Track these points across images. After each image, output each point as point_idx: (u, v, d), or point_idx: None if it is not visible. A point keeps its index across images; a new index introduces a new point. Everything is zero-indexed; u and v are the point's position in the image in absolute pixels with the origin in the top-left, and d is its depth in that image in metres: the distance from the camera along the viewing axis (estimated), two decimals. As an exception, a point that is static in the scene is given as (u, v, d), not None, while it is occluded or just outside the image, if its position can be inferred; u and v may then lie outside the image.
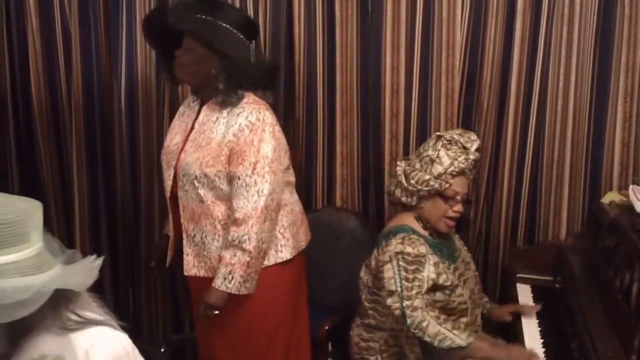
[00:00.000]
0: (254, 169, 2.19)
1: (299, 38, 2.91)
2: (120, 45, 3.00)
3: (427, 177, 2.32)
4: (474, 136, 2.42)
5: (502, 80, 2.84)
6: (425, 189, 2.33)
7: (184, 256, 2.34)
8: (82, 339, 1.27)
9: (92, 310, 1.33)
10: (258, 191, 2.20)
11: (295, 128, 2.97)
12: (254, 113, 2.23)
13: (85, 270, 1.28)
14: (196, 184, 2.25)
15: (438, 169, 2.31)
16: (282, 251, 2.35)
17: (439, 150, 2.33)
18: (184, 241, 2.33)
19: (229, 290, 2.21)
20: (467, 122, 2.89)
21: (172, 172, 2.33)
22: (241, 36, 2.26)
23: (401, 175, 2.38)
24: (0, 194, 1.29)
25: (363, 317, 2.47)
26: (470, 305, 2.41)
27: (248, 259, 2.20)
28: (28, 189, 3.16)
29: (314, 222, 2.91)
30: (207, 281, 2.27)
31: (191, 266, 2.33)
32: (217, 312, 2.24)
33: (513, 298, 2.67)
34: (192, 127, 2.33)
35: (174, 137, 2.39)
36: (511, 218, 2.94)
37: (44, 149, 3.14)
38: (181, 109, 2.47)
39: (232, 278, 2.20)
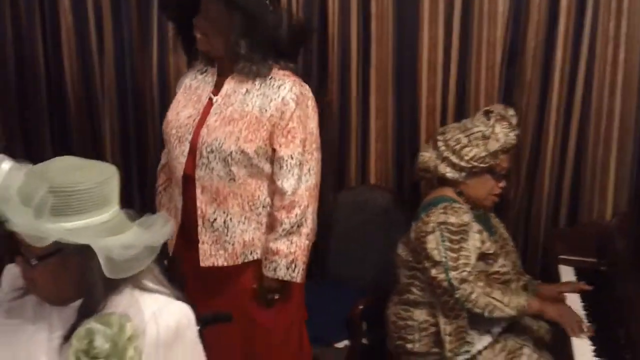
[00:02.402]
0: (303, 146, 2.08)
1: (333, 10, 2.82)
2: (151, 24, 2.96)
3: (483, 153, 2.28)
4: (512, 111, 2.40)
5: (547, 52, 2.71)
6: (480, 165, 2.27)
7: (199, 245, 2.12)
8: (150, 301, 1.32)
9: (160, 281, 1.38)
10: (309, 170, 2.09)
11: (328, 103, 2.88)
12: (296, 86, 2.09)
13: (159, 227, 1.32)
14: (229, 161, 2.05)
15: (494, 145, 2.28)
16: None
17: (494, 126, 2.28)
18: (199, 228, 2.11)
19: (294, 280, 2.10)
20: (508, 97, 2.76)
21: (186, 147, 2.11)
22: None
23: (446, 150, 2.31)
24: (80, 159, 1.33)
25: (401, 294, 2.41)
26: (514, 277, 2.37)
27: (307, 242, 2.11)
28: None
29: (347, 200, 2.89)
30: (225, 271, 2.13)
31: (208, 255, 2.12)
32: (277, 295, 2.14)
33: (555, 280, 2.56)
34: (210, 100, 2.14)
35: (182, 110, 2.16)
36: (553, 197, 2.82)
37: (78, 131, 3.14)
38: (187, 81, 2.22)
39: (296, 267, 2.09)
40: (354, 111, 2.91)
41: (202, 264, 2.13)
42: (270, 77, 2.09)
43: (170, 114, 2.19)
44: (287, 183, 2.06)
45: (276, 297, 2.15)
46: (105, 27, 3.03)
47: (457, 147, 2.31)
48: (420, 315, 2.34)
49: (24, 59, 3.12)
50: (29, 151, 3.17)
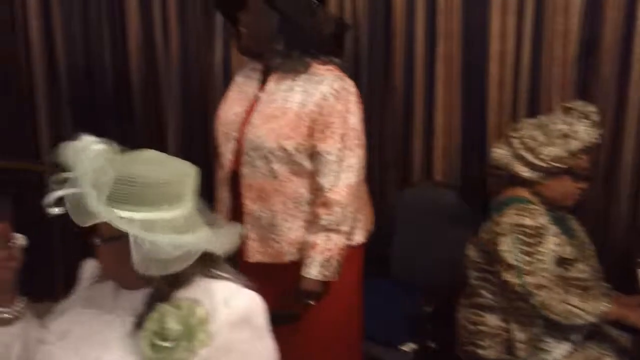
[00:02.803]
0: (343, 142, 2.03)
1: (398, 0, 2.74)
2: (215, 21, 2.94)
3: (563, 153, 2.15)
4: (593, 108, 2.26)
5: (625, 44, 2.57)
6: (559, 165, 2.16)
7: (246, 240, 2.12)
8: (221, 287, 1.35)
9: (228, 271, 1.41)
10: (349, 167, 2.04)
11: (392, 96, 2.80)
12: (337, 81, 2.06)
13: (229, 235, 1.37)
14: (270, 158, 2.04)
15: (575, 144, 2.16)
16: (356, 234, 2.19)
17: (575, 124, 2.15)
18: (246, 224, 2.12)
19: (327, 279, 2.05)
20: (584, 92, 2.63)
21: (232, 145, 2.12)
22: None
23: (522, 148, 2.19)
24: (162, 154, 1.37)
25: (471, 297, 2.31)
26: (594, 283, 2.25)
27: (344, 241, 2.06)
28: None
29: (411, 198, 2.82)
30: (270, 269, 2.11)
31: (254, 252, 2.12)
32: (314, 302, 2.08)
33: (634, 287, 2.42)
34: (256, 98, 2.13)
35: (230, 107, 2.17)
36: (633, 198, 2.67)
37: (143, 128, 3.17)
38: (238, 78, 2.24)
39: (330, 265, 2.04)
40: (419, 105, 2.83)
41: (248, 260, 2.12)
42: (311, 72, 2.07)
43: (220, 111, 2.20)
44: (325, 180, 2.03)
45: (312, 303, 2.08)
46: (171, 23, 3.03)
47: (534, 145, 2.20)
48: (493, 320, 2.24)
49: (91, 55, 3.16)
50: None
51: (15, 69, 3.23)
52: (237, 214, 2.14)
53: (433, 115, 2.81)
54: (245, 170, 2.09)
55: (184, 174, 1.32)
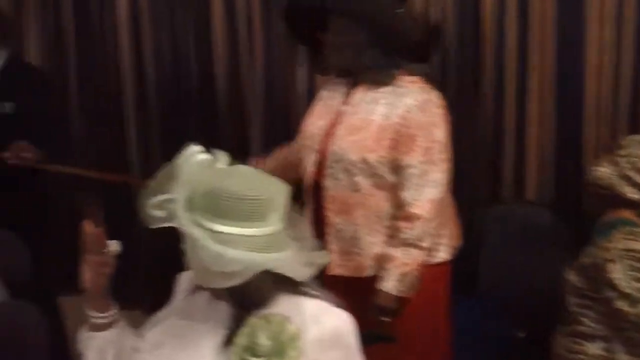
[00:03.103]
0: (427, 156, 1.98)
1: (488, 6, 2.67)
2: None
3: None
4: None
5: None
6: None
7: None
8: (311, 305, 1.33)
9: (316, 287, 1.39)
10: (432, 181, 1.99)
11: (480, 106, 2.74)
12: (422, 93, 2.03)
13: (308, 262, 1.34)
14: (353, 171, 2.03)
15: None
16: (440, 250, 2.11)
17: None
18: (328, 237, 2.09)
19: (402, 294, 1.99)
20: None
21: (315, 157, 2.11)
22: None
23: (629, 169, 2.05)
24: (258, 171, 1.36)
25: (570, 324, 2.16)
26: None
27: (424, 257, 2.01)
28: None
29: (501, 217, 2.71)
30: (351, 282, 2.05)
31: (335, 265, 2.07)
32: (391, 318, 2.01)
33: None
34: (340, 110, 2.11)
35: (316, 121, 2.17)
36: None
37: (226, 139, 3.18)
38: (323, 92, 2.23)
39: (407, 280, 1.99)
40: (510, 118, 2.74)
41: (328, 272, 2.03)
42: (396, 85, 2.05)
43: (304, 125, 2.22)
44: (407, 193, 1.99)
45: (387, 319, 2.01)
46: (257, 37, 3.06)
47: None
48: (594, 349, 2.08)
49: (179, 63, 3.22)
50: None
51: (105, 76, 3.34)
52: (319, 225, 2.11)
53: (525, 128, 2.72)
54: (328, 183, 2.08)
55: (274, 192, 1.30)
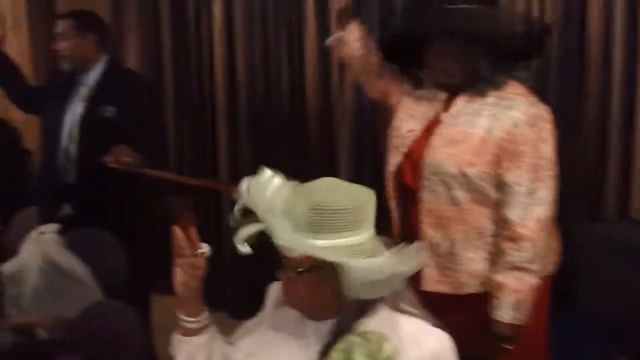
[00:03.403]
0: (535, 173, 1.89)
1: (594, 15, 2.55)
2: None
3: None
4: None
5: None
6: None
7: (423, 268, 2.00)
8: (409, 324, 1.32)
9: (415, 305, 1.38)
10: (540, 200, 1.89)
11: (584, 117, 2.63)
12: (530, 106, 1.92)
13: (411, 257, 1.32)
14: (452, 184, 1.94)
15: None
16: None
17: None
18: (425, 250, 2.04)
19: (519, 322, 1.90)
20: None
21: (398, 159, 2.05)
22: (490, 9, 1.97)
23: None
24: (340, 180, 1.38)
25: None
26: None
27: (536, 280, 1.91)
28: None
29: (602, 236, 2.58)
30: (447, 299, 1.98)
31: (434, 281, 2.01)
32: (509, 345, 1.93)
33: None
34: (438, 119, 2.02)
35: (406, 122, 2.08)
36: None
37: (315, 147, 3.21)
38: (420, 91, 2.12)
39: (522, 307, 1.90)
40: (615, 134, 2.61)
41: (423, 288, 2.01)
42: (500, 96, 1.95)
43: (396, 120, 2.14)
44: (513, 212, 1.89)
45: (509, 347, 1.93)
46: None
47: None
48: None
49: (270, 74, 3.26)
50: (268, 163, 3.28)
51: (199, 84, 3.42)
52: (406, 230, 2.08)
53: (632, 143, 2.58)
54: (424, 195, 2.00)
55: (365, 198, 1.32)
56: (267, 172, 1.34)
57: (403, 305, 1.36)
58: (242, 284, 3.34)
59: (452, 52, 1.94)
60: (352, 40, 2.16)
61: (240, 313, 3.24)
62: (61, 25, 2.82)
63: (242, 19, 3.26)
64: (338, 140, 3.16)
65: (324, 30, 3.06)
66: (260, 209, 1.29)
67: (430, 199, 1.98)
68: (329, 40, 2.21)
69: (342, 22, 2.14)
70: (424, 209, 2.00)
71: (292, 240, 1.25)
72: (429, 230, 2.00)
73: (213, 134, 3.44)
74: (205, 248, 1.36)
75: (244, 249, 1.27)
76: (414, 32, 2.00)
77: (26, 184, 4.20)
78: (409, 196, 2.04)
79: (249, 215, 1.31)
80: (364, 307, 1.32)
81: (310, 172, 3.18)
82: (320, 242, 1.26)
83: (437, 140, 1.98)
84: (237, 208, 1.31)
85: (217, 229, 3.26)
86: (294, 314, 1.39)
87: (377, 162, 3.05)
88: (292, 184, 1.35)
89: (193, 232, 1.36)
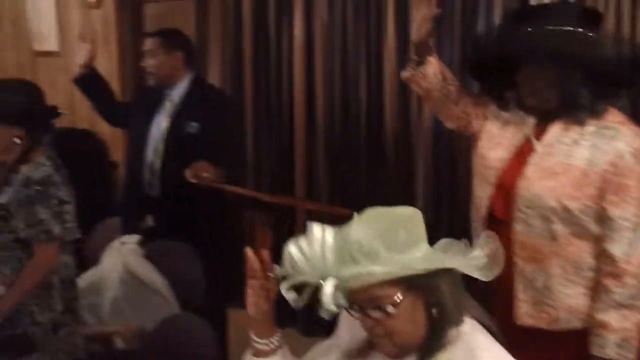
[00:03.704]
0: None
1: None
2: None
3: None
4: None
5: None
6: None
7: (515, 301, 1.94)
8: (487, 355, 1.28)
9: (494, 334, 1.35)
10: None
11: None
12: (635, 137, 1.82)
13: (481, 265, 1.30)
14: (551, 218, 1.85)
15: None
16: None
17: None
18: (517, 284, 1.94)
19: (625, 359, 1.81)
20: None
21: (488, 190, 1.98)
22: (589, 33, 1.84)
23: None
24: (378, 210, 1.31)
25: None
26: None
27: None
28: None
29: None
30: (541, 334, 1.91)
31: (527, 315, 1.94)
32: None
33: None
34: (529, 146, 1.93)
35: (494, 150, 2.00)
36: None
37: (392, 170, 3.18)
38: (506, 115, 2.02)
39: (628, 345, 1.81)
40: None
41: (518, 322, 1.94)
42: (601, 125, 1.84)
43: (482, 148, 2.04)
44: (617, 248, 1.80)
45: None
46: None
47: None
48: None
49: (349, 95, 3.26)
50: (343, 183, 3.28)
51: (278, 102, 3.44)
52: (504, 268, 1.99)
53: None
54: (518, 227, 1.91)
55: (414, 213, 1.31)
56: (317, 226, 1.27)
57: (480, 336, 1.30)
58: (313, 301, 3.32)
59: (550, 76, 1.85)
60: (430, 73, 2.09)
61: (311, 330, 3.22)
62: (149, 43, 2.90)
63: (321, 40, 3.27)
64: (415, 165, 3.11)
65: (403, 53, 3.03)
66: (325, 268, 1.25)
67: (525, 232, 1.90)
68: (406, 74, 2.14)
69: (420, 54, 2.09)
70: (516, 242, 1.91)
71: (394, 264, 1.21)
72: (522, 264, 1.92)
73: (290, 151, 3.45)
74: (277, 270, 1.33)
75: (291, 295, 1.26)
76: (512, 52, 1.91)
77: (111, 195, 4.33)
78: (497, 228, 1.91)
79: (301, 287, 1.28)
80: (444, 338, 1.27)
81: (385, 195, 3.15)
82: (419, 253, 1.24)
83: (533, 171, 1.89)
84: (288, 283, 1.27)
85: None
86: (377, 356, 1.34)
87: (454, 188, 3.02)
88: (335, 230, 1.29)
89: (265, 253, 1.35)
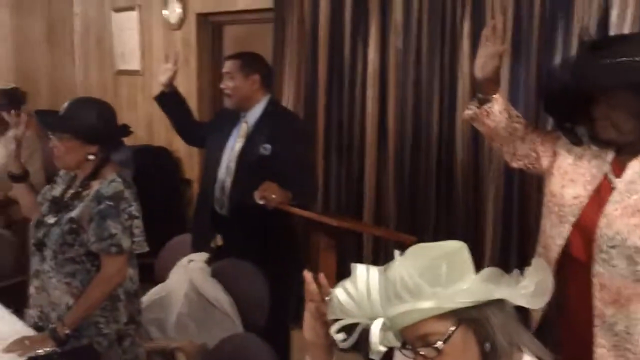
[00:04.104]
0: None
1: None
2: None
3: None
4: None
5: None
6: None
7: (594, 347, 1.86)
8: None
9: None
10: None
11: None
12: None
13: (534, 293, 1.27)
14: (636, 259, 1.77)
15: None
16: None
17: None
18: (596, 329, 1.85)
19: None
20: None
21: (565, 229, 1.90)
22: None
23: None
24: (420, 246, 1.31)
25: None
26: None
27: None
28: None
29: None
30: None
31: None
32: None
33: None
34: (607, 183, 1.86)
35: (569, 187, 1.92)
36: None
37: (462, 199, 3.14)
38: (578, 150, 1.95)
39: None
40: None
41: None
42: None
43: (554, 185, 1.95)
44: None
45: None
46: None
47: None
48: None
49: (420, 123, 3.24)
50: (412, 211, 3.25)
51: (350, 127, 3.46)
52: (567, 305, 1.91)
53: None
54: (599, 269, 1.83)
55: (458, 248, 1.28)
56: (361, 267, 1.27)
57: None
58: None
59: (630, 108, 1.77)
60: (495, 111, 2.01)
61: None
62: (228, 65, 2.95)
63: (395, 68, 3.26)
64: (485, 197, 3.04)
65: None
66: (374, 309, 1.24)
67: (607, 274, 1.82)
68: (469, 112, 2.06)
69: (485, 92, 2.01)
70: (597, 284, 1.83)
71: (433, 301, 1.19)
72: (603, 307, 1.83)
73: (360, 177, 3.45)
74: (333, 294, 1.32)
75: (340, 337, 1.26)
76: (591, 83, 1.83)
77: (184, 212, 4.43)
78: (572, 269, 1.88)
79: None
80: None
81: (454, 227, 3.13)
82: (464, 285, 1.22)
83: (615, 210, 1.81)
84: (338, 325, 1.27)
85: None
86: None
87: (524, 223, 2.93)
88: (380, 269, 1.28)
89: (323, 277, 1.35)
